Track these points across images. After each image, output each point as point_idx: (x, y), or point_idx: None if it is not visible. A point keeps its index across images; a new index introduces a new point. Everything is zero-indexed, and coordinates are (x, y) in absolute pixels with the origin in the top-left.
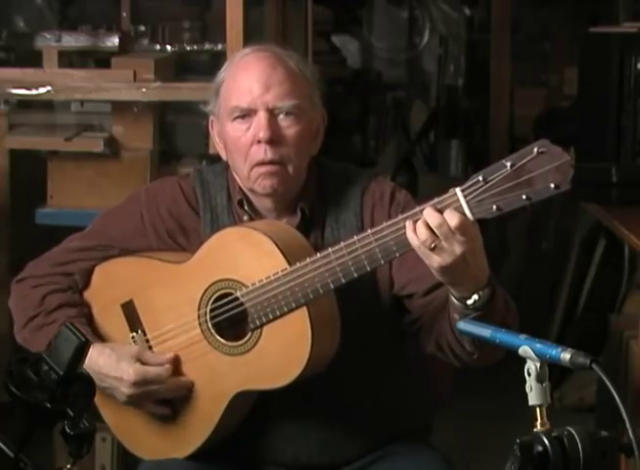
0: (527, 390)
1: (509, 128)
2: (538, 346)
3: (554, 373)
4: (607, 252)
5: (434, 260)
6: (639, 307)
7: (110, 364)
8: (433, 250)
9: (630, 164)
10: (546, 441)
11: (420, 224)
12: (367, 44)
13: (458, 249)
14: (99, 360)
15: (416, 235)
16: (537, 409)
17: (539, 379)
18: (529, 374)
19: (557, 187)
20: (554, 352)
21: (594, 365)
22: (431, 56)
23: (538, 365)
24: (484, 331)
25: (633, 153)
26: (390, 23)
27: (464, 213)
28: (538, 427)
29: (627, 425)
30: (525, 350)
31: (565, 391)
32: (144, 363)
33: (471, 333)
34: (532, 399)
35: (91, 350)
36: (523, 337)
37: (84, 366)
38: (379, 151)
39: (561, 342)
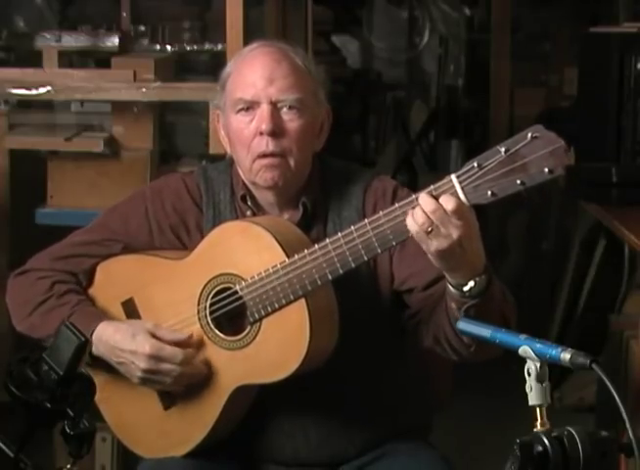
0: (527, 390)
1: (509, 128)
2: (538, 346)
3: (554, 373)
4: (607, 252)
5: (432, 245)
6: (639, 307)
7: (125, 339)
8: (429, 234)
9: (630, 164)
10: (546, 441)
11: (417, 210)
12: (367, 44)
13: (455, 233)
14: (115, 336)
15: (414, 221)
16: (537, 409)
17: (539, 379)
18: (529, 374)
19: (551, 172)
20: (554, 352)
21: (594, 365)
22: (431, 56)
23: (538, 365)
24: (484, 331)
25: (633, 153)
26: (390, 23)
27: (459, 199)
28: (538, 427)
29: (627, 425)
30: (525, 350)
31: (565, 391)
32: (159, 339)
33: (471, 333)
34: (532, 399)
35: (107, 327)
36: (523, 337)
37: (101, 342)
38: (379, 151)
39: (561, 342)
